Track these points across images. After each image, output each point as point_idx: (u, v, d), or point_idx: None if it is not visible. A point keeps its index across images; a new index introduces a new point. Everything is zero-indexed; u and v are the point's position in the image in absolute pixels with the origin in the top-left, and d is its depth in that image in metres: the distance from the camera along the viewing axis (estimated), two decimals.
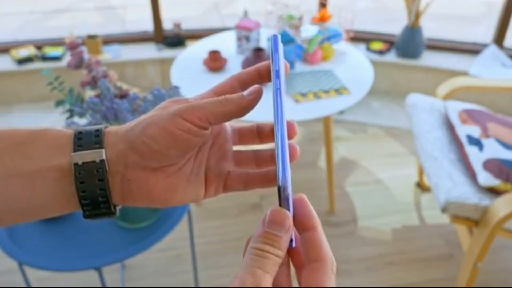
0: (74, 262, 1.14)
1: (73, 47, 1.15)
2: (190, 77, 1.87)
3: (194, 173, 0.37)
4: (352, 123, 2.61)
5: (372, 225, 1.98)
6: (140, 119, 0.35)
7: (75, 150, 0.34)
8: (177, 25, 2.78)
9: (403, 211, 2.05)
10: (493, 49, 2.61)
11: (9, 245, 1.17)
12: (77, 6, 4.13)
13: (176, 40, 2.76)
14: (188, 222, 1.41)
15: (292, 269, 0.32)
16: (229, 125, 0.39)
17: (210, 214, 2.02)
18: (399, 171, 2.27)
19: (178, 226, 1.25)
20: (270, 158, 0.38)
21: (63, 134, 0.35)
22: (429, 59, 2.65)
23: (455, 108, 1.77)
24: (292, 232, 0.31)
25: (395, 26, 2.72)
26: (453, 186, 1.48)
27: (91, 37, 2.59)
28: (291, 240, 0.31)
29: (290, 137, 0.34)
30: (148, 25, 2.84)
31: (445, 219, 1.86)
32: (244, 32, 1.97)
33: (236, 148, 0.40)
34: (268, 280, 0.28)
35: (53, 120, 2.49)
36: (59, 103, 1.18)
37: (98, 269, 1.14)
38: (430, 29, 2.72)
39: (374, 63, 2.15)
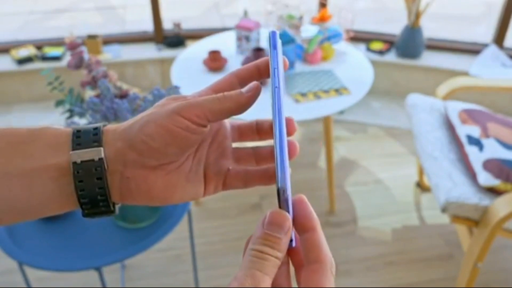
0: (74, 262, 1.14)
1: (73, 47, 1.15)
2: (190, 77, 1.87)
3: (193, 171, 0.37)
4: (352, 123, 2.61)
5: (372, 225, 1.98)
6: (139, 117, 0.34)
7: (73, 149, 0.34)
8: (177, 25, 2.78)
9: (403, 211, 2.05)
10: (493, 49, 2.61)
11: (9, 245, 1.17)
12: (77, 6, 4.14)
13: (176, 40, 2.76)
14: (188, 222, 1.41)
15: (292, 269, 0.32)
16: (228, 122, 0.39)
17: (210, 214, 2.02)
18: (399, 171, 2.27)
19: (178, 226, 1.25)
20: (269, 154, 0.38)
21: (62, 133, 0.35)
22: (429, 59, 2.65)
23: (455, 108, 1.77)
24: (292, 232, 0.31)
25: (395, 26, 2.72)
26: (453, 186, 1.48)
27: (91, 37, 2.59)
28: (291, 240, 0.31)
29: (289, 134, 0.34)
30: (148, 25, 2.83)
31: (445, 219, 1.86)
32: (244, 32, 1.97)
33: (235, 145, 0.39)
34: (267, 282, 0.28)
35: (53, 120, 2.49)
36: (59, 103, 1.18)
37: (98, 269, 1.14)
38: (430, 29, 2.72)
39: (374, 63, 2.15)
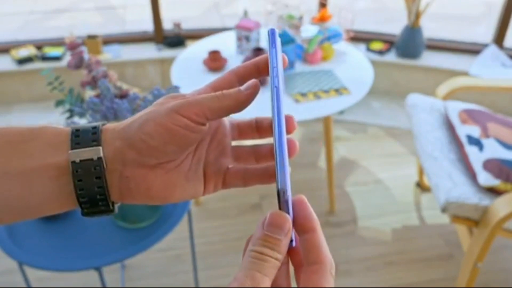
0: (74, 262, 1.14)
1: (73, 47, 1.15)
2: (190, 77, 1.87)
3: (192, 169, 0.37)
4: (352, 123, 2.61)
5: (372, 225, 1.98)
6: (137, 116, 0.34)
7: (72, 148, 0.34)
8: (177, 25, 2.78)
9: (403, 211, 2.05)
10: (493, 49, 2.61)
11: (9, 245, 1.17)
12: (77, 6, 4.14)
13: (176, 40, 2.76)
14: (188, 222, 1.41)
15: (291, 269, 0.32)
16: (227, 120, 0.39)
17: (210, 214, 2.02)
18: (399, 171, 2.27)
19: (178, 226, 1.25)
20: (269, 153, 0.38)
21: (61, 132, 0.35)
22: (429, 59, 2.65)
23: (455, 108, 1.77)
24: (292, 232, 0.31)
25: (395, 26, 2.72)
26: (453, 186, 1.48)
27: (91, 37, 2.59)
28: (291, 240, 0.31)
29: (289, 132, 0.34)
30: (148, 25, 2.83)
31: (445, 219, 1.86)
32: (244, 32, 1.97)
33: (235, 143, 0.39)
34: (266, 283, 0.28)
35: (53, 120, 2.49)
36: (59, 103, 1.18)
37: (98, 269, 1.14)
38: (430, 29, 2.72)
39: (374, 63, 2.15)
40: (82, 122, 1.13)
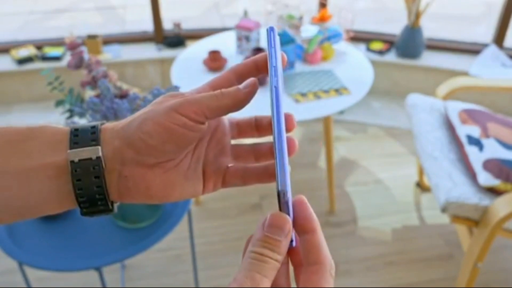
0: (74, 262, 1.14)
1: (73, 47, 1.15)
2: (190, 77, 1.87)
3: (191, 168, 0.37)
4: (352, 123, 2.61)
5: (372, 225, 1.98)
6: (136, 115, 0.34)
7: (71, 147, 0.34)
8: (177, 25, 2.78)
9: (403, 211, 2.05)
10: (493, 49, 2.61)
11: (9, 245, 1.17)
12: (77, 6, 4.14)
13: (176, 40, 2.76)
14: (188, 222, 1.41)
15: (291, 269, 0.32)
16: (227, 119, 0.39)
17: (210, 214, 2.02)
18: (399, 171, 2.27)
19: (178, 226, 1.25)
20: (269, 151, 0.38)
21: (60, 131, 0.35)
22: (429, 59, 2.65)
23: (455, 108, 1.77)
24: (292, 233, 0.31)
25: (395, 26, 2.72)
26: (453, 186, 1.48)
27: (91, 37, 2.59)
28: (291, 240, 0.30)
29: (288, 130, 0.33)
30: (148, 25, 2.83)
31: (445, 219, 1.86)
32: (244, 32, 1.97)
33: (234, 142, 0.39)
34: (266, 284, 0.28)
35: (53, 120, 2.49)
36: (59, 103, 1.18)
37: (98, 269, 1.14)
38: (430, 29, 2.72)
39: (374, 63, 2.15)
40: (82, 122, 1.13)
